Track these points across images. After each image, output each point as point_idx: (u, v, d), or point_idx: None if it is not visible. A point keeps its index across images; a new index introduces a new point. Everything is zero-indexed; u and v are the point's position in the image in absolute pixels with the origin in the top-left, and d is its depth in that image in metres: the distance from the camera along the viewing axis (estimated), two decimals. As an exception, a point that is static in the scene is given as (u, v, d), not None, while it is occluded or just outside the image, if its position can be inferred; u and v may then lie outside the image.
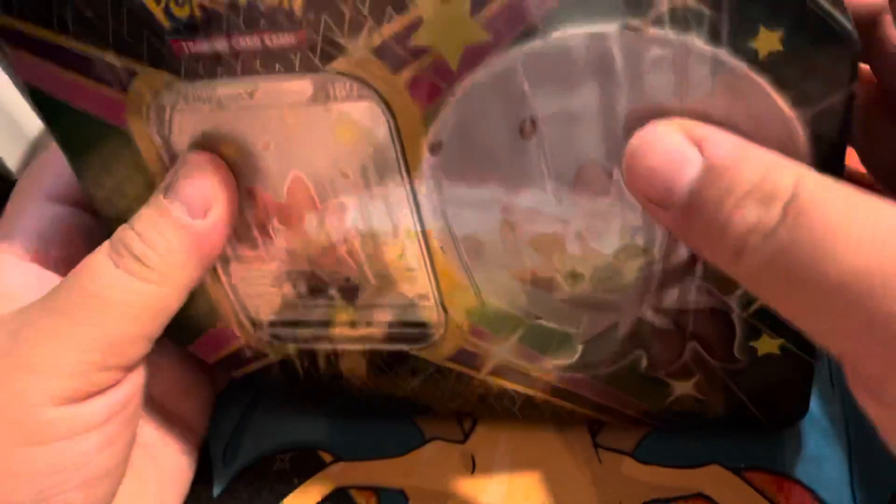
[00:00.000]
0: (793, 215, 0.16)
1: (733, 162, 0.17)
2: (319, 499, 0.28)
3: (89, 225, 0.26)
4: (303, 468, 0.29)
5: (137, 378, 0.23)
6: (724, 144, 0.17)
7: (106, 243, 0.22)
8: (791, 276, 0.16)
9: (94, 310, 0.21)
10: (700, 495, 0.25)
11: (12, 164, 0.33)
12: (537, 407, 0.26)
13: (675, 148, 0.17)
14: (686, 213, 0.17)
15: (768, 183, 0.16)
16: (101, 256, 0.22)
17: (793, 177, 0.16)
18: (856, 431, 0.25)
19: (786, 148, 0.18)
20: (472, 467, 0.27)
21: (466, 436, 0.28)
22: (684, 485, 0.25)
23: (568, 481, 0.26)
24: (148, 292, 0.22)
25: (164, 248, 0.22)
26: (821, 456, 0.25)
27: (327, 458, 0.29)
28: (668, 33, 0.17)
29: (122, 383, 0.22)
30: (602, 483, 0.26)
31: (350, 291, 0.24)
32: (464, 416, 0.29)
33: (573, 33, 0.18)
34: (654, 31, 0.17)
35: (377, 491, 0.28)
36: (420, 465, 0.28)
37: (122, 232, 0.22)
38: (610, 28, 0.17)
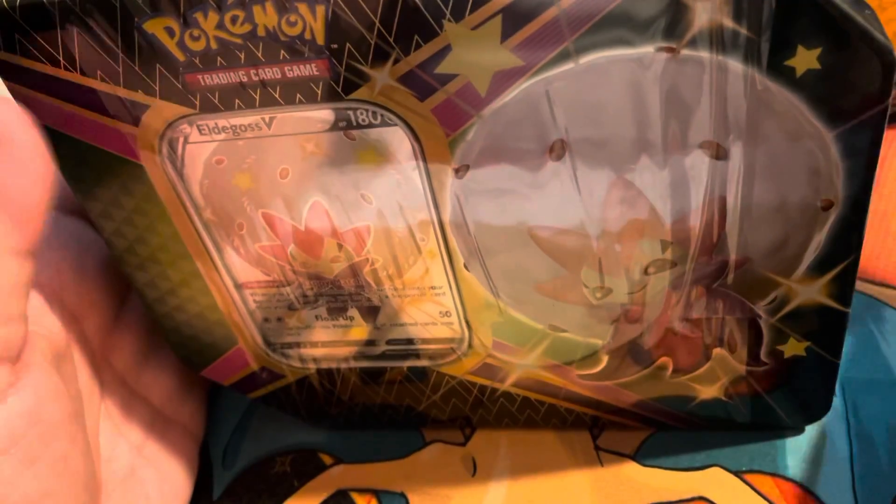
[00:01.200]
0: None
1: None
2: (320, 501, 0.28)
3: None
4: (303, 470, 0.29)
5: (39, 382, 0.21)
6: None
7: None
8: None
9: None
10: (701, 498, 0.25)
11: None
12: (551, 413, 0.26)
13: None
14: None
15: None
16: None
17: None
18: (858, 434, 0.25)
19: (818, 163, 0.18)
20: (473, 470, 0.27)
21: (467, 438, 0.28)
22: (685, 487, 0.25)
23: (569, 484, 0.26)
24: None
25: None
26: (822, 458, 0.25)
27: (328, 460, 0.29)
28: (703, 54, 0.17)
29: (17, 388, 0.20)
30: (603, 486, 0.26)
31: (371, 311, 0.24)
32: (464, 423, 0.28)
33: (606, 55, 0.17)
34: (688, 52, 0.17)
35: (378, 493, 0.27)
36: (421, 468, 0.28)
37: None
38: (644, 50, 0.17)
